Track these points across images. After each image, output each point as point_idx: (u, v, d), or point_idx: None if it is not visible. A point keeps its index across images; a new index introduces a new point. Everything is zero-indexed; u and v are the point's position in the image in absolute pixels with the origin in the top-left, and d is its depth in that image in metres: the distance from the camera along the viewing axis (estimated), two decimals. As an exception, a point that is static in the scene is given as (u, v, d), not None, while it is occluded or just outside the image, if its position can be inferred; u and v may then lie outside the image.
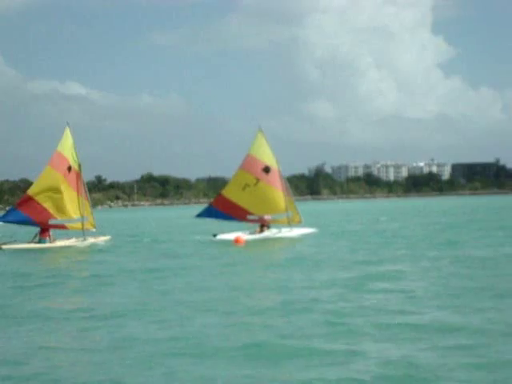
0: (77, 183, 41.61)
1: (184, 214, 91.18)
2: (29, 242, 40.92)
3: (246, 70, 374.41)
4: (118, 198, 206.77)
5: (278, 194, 44.13)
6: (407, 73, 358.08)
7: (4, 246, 39.91)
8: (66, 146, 41.68)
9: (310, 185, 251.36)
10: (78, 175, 41.69)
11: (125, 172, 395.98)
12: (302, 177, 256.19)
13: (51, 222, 41.11)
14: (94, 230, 42.15)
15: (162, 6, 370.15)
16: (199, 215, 45.48)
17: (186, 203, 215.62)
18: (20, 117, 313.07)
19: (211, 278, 24.41)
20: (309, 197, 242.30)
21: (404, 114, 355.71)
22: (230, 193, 44.31)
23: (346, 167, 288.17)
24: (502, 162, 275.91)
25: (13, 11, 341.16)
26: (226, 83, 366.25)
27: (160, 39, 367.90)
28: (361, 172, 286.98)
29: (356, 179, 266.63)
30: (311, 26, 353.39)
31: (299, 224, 44.61)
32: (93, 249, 39.35)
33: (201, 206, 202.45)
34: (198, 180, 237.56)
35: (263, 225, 43.90)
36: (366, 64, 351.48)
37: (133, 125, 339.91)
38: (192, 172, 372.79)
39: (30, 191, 41.43)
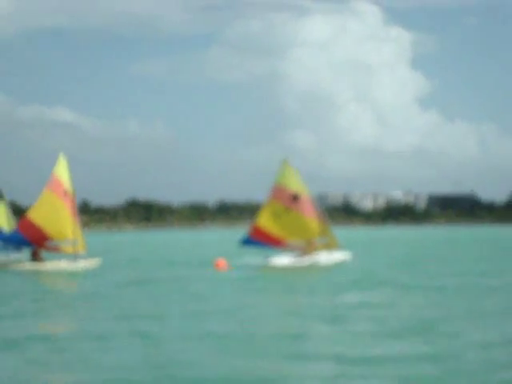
0: (71, 207, 43.00)
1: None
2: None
3: (227, 101, 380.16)
4: (102, 221, 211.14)
5: (310, 220, 44.86)
6: (386, 107, 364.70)
7: None
8: (61, 171, 42.90)
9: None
10: (72, 200, 43.22)
11: (110, 196, 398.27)
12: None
13: (48, 243, 42.33)
14: (83, 253, 42.98)
15: (150, 37, 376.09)
16: (243, 243, 45.65)
17: (169, 228, 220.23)
18: (9, 142, 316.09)
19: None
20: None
21: (383, 147, 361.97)
22: (263, 222, 45.13)
23: (325, 196, 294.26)
24: (476, 194, 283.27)
25: (1, 37, 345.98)
26: (208, 113, 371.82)
27: (148, 68, 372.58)
28: (340, 201, 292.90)
29: (335, 208, 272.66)
30: (291, 59, 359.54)
31: (336, 249, 45.14)
32: (83, 272, 40.16)
33: (184, 231, 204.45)
34: (180, 205, 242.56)
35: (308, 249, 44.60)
36: (345, 98, 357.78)
37: (119, 151, 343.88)
38: (175, 197, 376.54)
39: (30, 213, 42.68)
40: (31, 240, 42.20)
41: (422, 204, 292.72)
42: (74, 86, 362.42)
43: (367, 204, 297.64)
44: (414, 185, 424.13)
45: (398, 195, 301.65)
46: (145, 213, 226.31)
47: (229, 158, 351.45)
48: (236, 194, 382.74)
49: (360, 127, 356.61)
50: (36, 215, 42.35)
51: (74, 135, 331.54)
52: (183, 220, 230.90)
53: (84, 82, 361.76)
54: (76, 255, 42.77)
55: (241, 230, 54.97)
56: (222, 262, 42.03)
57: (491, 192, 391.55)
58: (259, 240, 44.94)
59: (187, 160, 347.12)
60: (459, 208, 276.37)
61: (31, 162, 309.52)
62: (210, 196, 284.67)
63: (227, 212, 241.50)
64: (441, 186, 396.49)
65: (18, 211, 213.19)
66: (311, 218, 45.11)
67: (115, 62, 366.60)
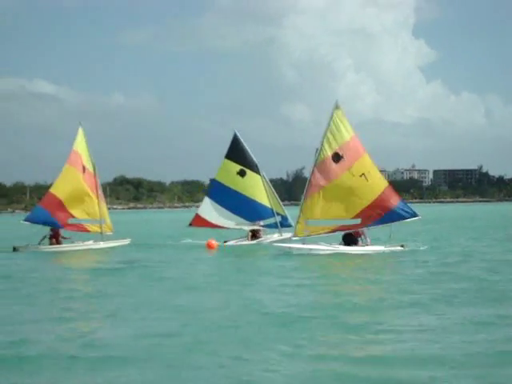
0: (93, 184, 40.43)
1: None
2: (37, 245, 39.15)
3: (221, 71, 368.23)
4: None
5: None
6: (387, 76, 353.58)
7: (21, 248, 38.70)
8: (80, 146, 40.47)
9: (289, 190, 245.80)
10: (94, 176, 40.54)
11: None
12: (280, 181, 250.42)
13: (71, 221, 39.72)
14: (111, 233, 40.69)
15: (135, 4, 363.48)
16: None
17: (160, 207, 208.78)
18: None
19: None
20: (287, 202, 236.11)
21: (383, 118, 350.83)
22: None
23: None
24: (484, 169, 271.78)
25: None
26: (200, 83, 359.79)
27: (133, 37, 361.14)
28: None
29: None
30: (289, 26, 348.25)
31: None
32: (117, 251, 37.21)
33: (175, 210, 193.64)
34: (172, 183, 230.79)
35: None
36: (344, 66, 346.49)
37: (104, 124, 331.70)
38: (166, 175, 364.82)
39: (53, 189, 39.92)
40: (57, 219, 39.42)
41: (427, 180, 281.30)
42: (55, 57, 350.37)
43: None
44: (418, 160, 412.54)
45: (402, 171, 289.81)
46: (134, 191, 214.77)
47: (222, 131, 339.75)
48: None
49: (360, 97, 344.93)
50: (59, 191, 39.63)
51: (55, 108, 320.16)
52: (174, 199, 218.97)
53: (66, 54, 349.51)
54: (103, 235, 40.30)
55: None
56: (213, 243, 38.87)
57: (500, 167, 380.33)
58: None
59: (177, 134, 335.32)
60: (466, 183, 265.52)
61: (12, 137, 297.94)
62: (204, 173, 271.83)
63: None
64: (446, 161, 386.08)
65: (1, 190, 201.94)
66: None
67: (99, 30, 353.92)
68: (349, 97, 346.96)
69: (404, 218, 33.47)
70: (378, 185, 33.61)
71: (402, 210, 33.50)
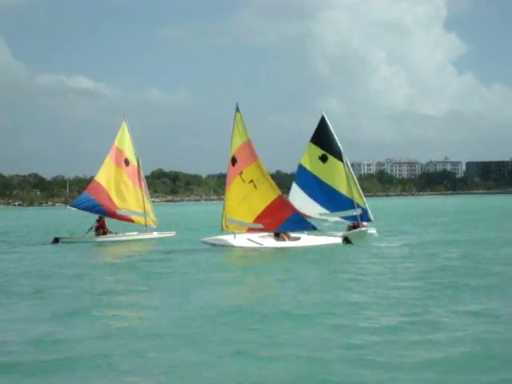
0: (137, 178, 40.51)
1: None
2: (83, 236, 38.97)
3: (256, 65, 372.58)
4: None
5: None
6: (419, 69, 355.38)
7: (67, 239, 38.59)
8: (123, 140, 40.63)
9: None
10: (138, 170, 40.68)
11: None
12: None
13: (119, 212, 39.69)
14: (155, 226, 40.49)
15: (172, 0, 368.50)
16: None
17: (196, 200, 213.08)
18: (28, 110, 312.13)
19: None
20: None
21: (416, 111, 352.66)
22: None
23: (359, 164, 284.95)
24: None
25: (22, 4, 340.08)
26: (236, 77, 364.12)
27: (169, 33, 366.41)
28: (374, 169, 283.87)
29: (369, 177, 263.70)
30: (323, 20, 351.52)
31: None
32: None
33: (211, 203, 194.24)
34: (208, 176, 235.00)
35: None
36: (377, 60, 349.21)
37: (142, 119, 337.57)
38: (203, 168, 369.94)
39: (98, 178, 40.05)
40: (105, 207, 39.45)
41: (459, 172, 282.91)
42: (94, 53, 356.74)
43: (402, 172, 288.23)
44: (451, 151, 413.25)
45: (435, 163, 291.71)
46: (172, 184, 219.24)
47: (257, 124, 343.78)
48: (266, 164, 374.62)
49: (392, 90, 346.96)
50: (102, 179, 39.93)
51: (93, 103, 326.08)
52: (211, 192, 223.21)
53: (103, 50, 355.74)
54: (148, 227, 40.23)
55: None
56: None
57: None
58: None
59: (213, 128, 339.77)
60: (498, 175, 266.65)
61: (51, 131, 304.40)
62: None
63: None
64: (478, 153, 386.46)
65: (41, 183, 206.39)
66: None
67: (136, 26, 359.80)
68: (382, 89, 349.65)
69: (300, 230, 32.87)
70: (269, 193, 32.77)
71: (297, 222, 32.64)
